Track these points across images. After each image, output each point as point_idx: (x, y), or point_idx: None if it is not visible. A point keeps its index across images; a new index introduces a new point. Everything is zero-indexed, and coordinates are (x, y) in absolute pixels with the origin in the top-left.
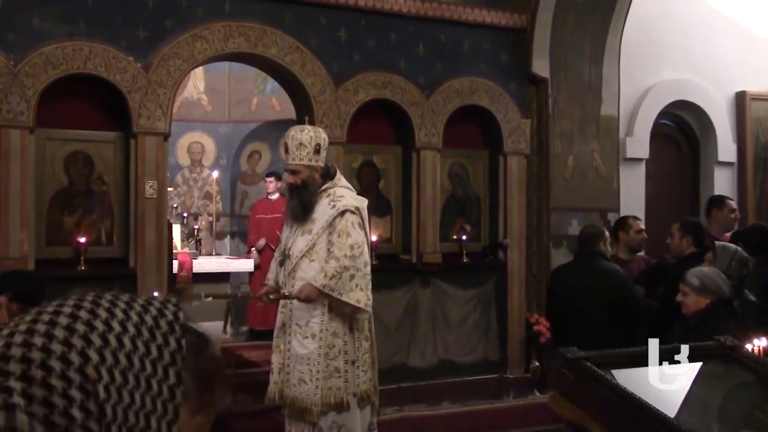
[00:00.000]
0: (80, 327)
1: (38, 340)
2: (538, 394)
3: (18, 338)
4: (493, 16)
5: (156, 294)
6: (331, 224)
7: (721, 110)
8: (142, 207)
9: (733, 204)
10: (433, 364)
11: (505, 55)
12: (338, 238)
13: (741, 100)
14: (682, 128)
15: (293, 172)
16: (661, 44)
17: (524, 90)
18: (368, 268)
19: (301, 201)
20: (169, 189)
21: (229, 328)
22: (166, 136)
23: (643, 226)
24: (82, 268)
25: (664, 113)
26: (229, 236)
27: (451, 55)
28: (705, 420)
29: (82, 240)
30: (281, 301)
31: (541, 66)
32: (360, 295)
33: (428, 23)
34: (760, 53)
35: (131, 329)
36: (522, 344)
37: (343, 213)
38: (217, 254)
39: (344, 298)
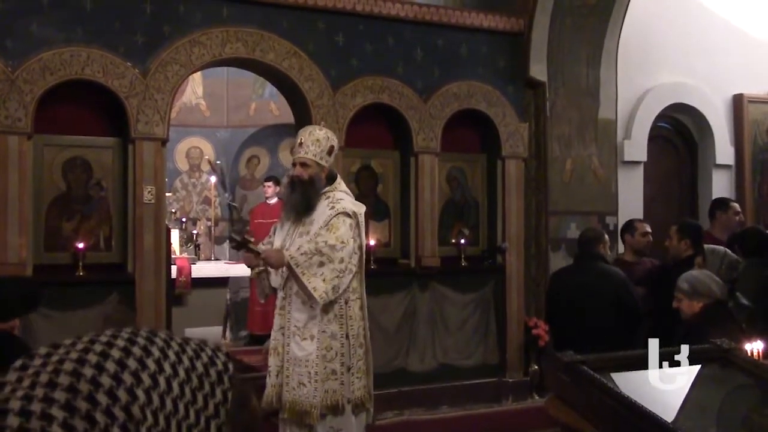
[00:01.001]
0: (132, 363)
1: (88, 371)
2: (537, 397)
3: (68, 366)
4: (491, 21)
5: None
6: (327, 225)
7: (719, 113)
8: (140, 212)
9: (738, 207)
10: (432, 368)
11: (502, 59)
12: (327, 231)
13: (738, 102)
14: (679, 131)
15: (303, 165)
16: (659, 47)
17: (522, 94)
18: (343, 266)
19: (305, 196)
20: (168, 194)
21: (228, 333)
22: (164, 142)
23: (648, 229)
24: (81, 273)
25: (661, 116)
26: (227, 241)
27: (448, 60)
28: (702, 423)
29: (81, 245)
30: (279, 305)
31: (538, 70)
32: (320, 284)
33: (426, 28)
34: (757, 56)
35: (181, 374)
36: (521, 348)
37: (338, 215)
38: (216, 259)
39: (303, 279)
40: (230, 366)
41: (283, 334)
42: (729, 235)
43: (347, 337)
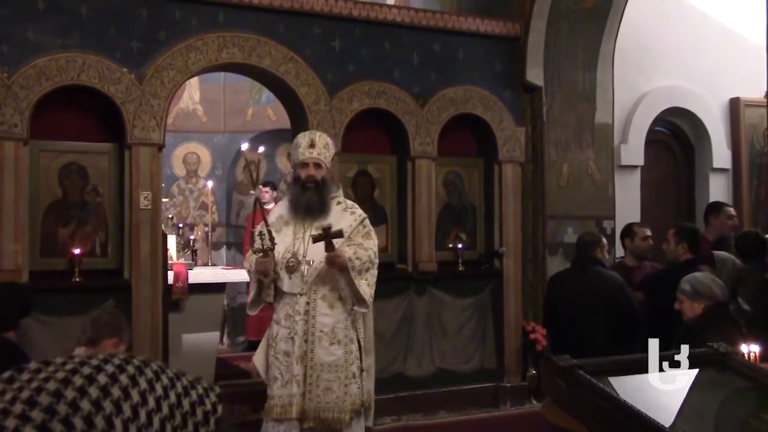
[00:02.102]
0: (116, 392)
1: (70, 394)
2: (535, 402)
3: (51, 386)
4: (487, 25)
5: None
6: (356, 229)
7: (716, 117)
8: (136, 218)
9: (731, 210)
10: (429, 373)
11: (499, 64)
12: (363, 238)
13: (735, 106)
14: (676, 135)
15: (317, 165)
16: (655, 51)
17: (518, 98)
18: (377, 271)
19: (321, 197)
20: (165, 200)
21: (225, 339)
22: (160, 147)
23: (649, 233)
24: (77, 279)
25: (658, 120)
26: (225, 246)
27: (445, 64)
28: (700, 427)
29: (77, 251)
30: (303, 310)
31: (535, 74)
32: (367, 289)
33: (422, 32)
34: (753, 59)
35: (165, 410)
36: (519, 352)
37: (364, 220)
38: (213, 264)
39: (356, 281)
40: (219, 408)
41: (306, 341)
42: (717, 238)
43: (359, 341)
